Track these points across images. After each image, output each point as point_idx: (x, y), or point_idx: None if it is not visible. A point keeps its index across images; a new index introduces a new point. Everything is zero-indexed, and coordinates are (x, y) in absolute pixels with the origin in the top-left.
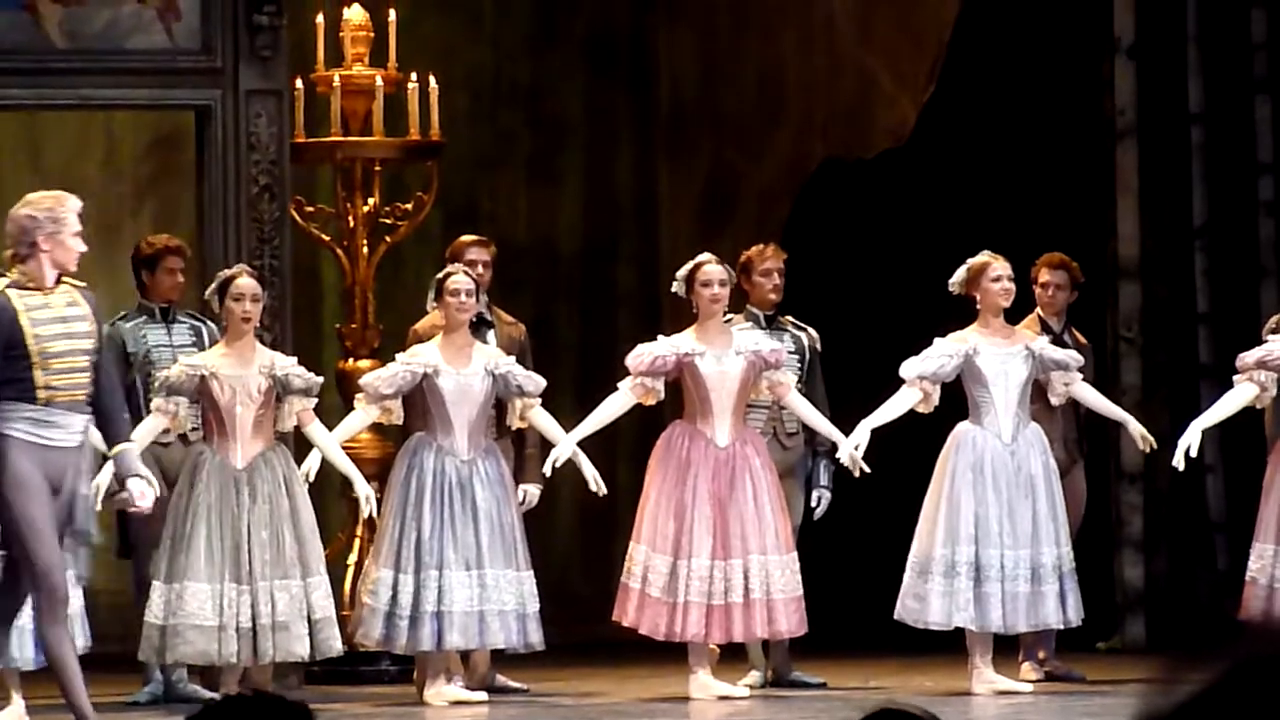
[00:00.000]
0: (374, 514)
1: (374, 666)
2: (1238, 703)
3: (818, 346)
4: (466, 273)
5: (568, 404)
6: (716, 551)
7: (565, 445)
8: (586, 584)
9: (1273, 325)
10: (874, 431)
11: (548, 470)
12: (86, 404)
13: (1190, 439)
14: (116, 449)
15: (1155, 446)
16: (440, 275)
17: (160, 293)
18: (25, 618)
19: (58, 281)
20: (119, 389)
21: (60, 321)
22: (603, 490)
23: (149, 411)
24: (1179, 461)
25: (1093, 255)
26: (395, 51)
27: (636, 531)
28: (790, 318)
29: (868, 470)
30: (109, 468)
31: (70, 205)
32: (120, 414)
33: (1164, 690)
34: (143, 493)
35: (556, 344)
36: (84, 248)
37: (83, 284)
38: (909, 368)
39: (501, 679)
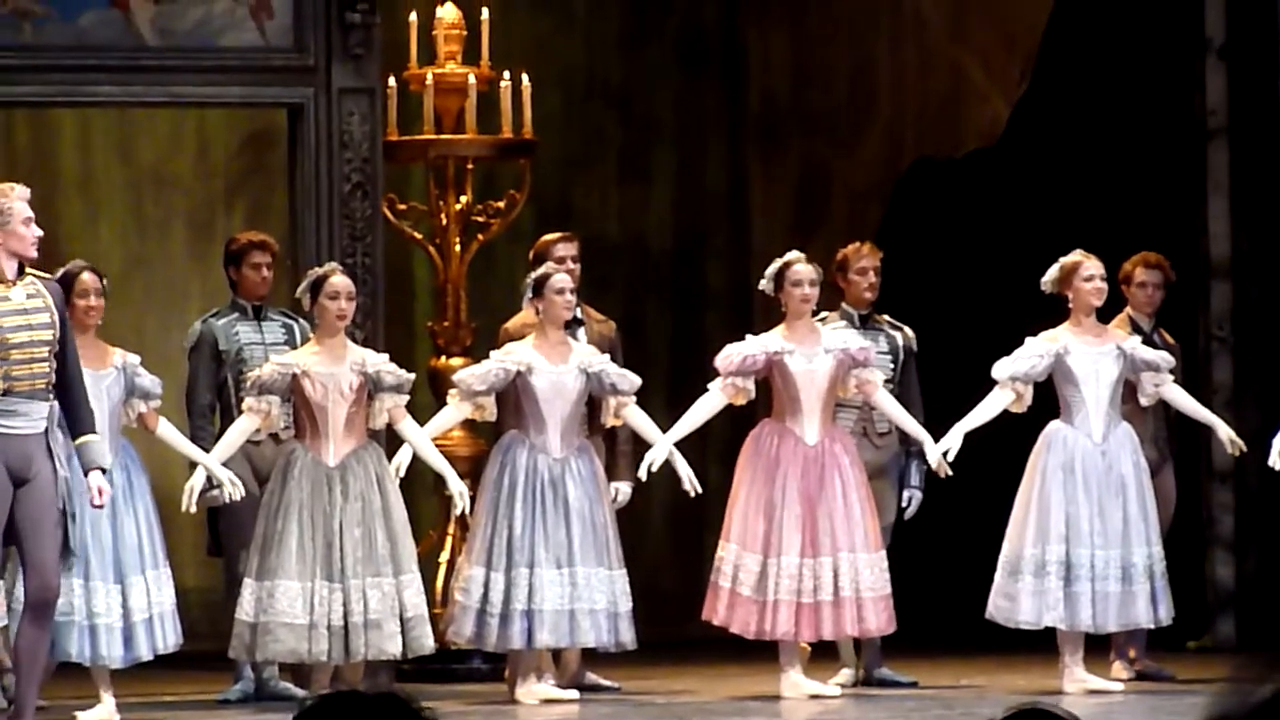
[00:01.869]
0: (467, 510)
1: (465, 664)
2: None
3: (913, 346)
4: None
5: (659, 402)
6: (806, 550)
7: (661, 447)
8: (677, 582)
9: None
10: (965, 432)
11: (643, 474)
12: (47, 392)
13: None
14: (81, 440)
15: (1245, 450)
16: (539, 274)
17: (247, 288)
18: (114, 616)
19: (21, 273)
20: (81, 380)
21: (20, 313)
22: (697, 490)
23: (240, 410)
24: (1275, 462)
25: (1184, 254)
26: (488, 49)
27: (726, 530)
28: (886, 316)
29: (951, 474)
30: (201, 471)
31: (18, 194)
32: (84, 405)
33: (1240, 691)
34: (100, 489)
35: (647, 342)
36: (39, 233)
37: (47, 275)
38: (1001, 368)
39: (592, 677)
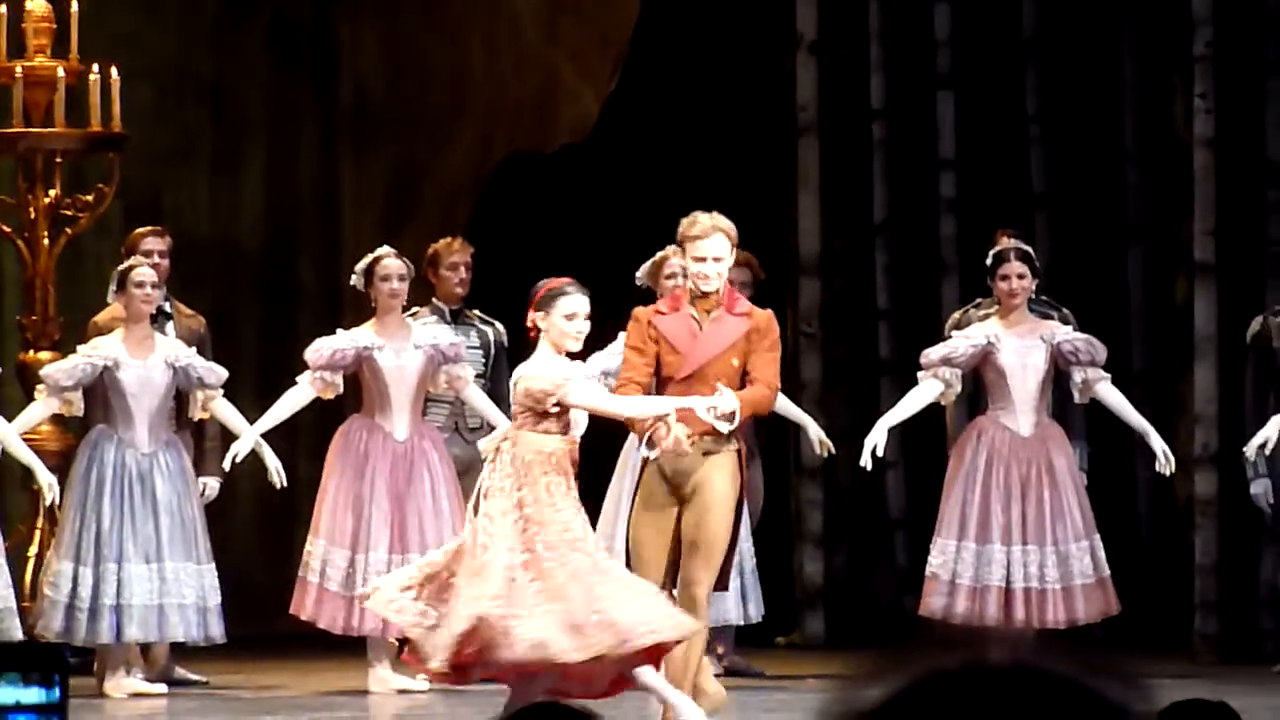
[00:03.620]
0: (56, 501)
1: None
2: (925, 713)
3: (504, 341)
4: (149, 265)
5: (249, 397)
6: (394, 545)
7: (247, 438)
8: (266, 577)
9: (955, 321)
10: None
11: (228, 464)
12: None
13: (877, 438)
14: None
15: (834, 452)
16: (123, 267)
17: None
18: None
19: None
20: None
21: None
22: (283, 482)
23: None
24: (866, 461)
25: (774, 250)
26: (77, 42)
27: (315, 525)
28: (477, 311)
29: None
30: None
31: None
32: None
33: (850, 693)
34: None
35: (237, 338)
36: None
37: None
38: (594, 364)
39: (181, 671)
